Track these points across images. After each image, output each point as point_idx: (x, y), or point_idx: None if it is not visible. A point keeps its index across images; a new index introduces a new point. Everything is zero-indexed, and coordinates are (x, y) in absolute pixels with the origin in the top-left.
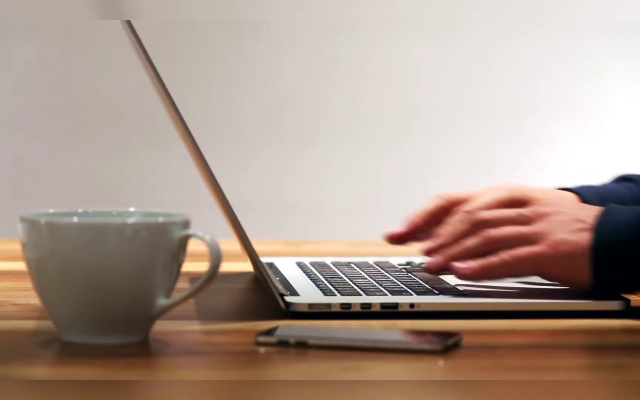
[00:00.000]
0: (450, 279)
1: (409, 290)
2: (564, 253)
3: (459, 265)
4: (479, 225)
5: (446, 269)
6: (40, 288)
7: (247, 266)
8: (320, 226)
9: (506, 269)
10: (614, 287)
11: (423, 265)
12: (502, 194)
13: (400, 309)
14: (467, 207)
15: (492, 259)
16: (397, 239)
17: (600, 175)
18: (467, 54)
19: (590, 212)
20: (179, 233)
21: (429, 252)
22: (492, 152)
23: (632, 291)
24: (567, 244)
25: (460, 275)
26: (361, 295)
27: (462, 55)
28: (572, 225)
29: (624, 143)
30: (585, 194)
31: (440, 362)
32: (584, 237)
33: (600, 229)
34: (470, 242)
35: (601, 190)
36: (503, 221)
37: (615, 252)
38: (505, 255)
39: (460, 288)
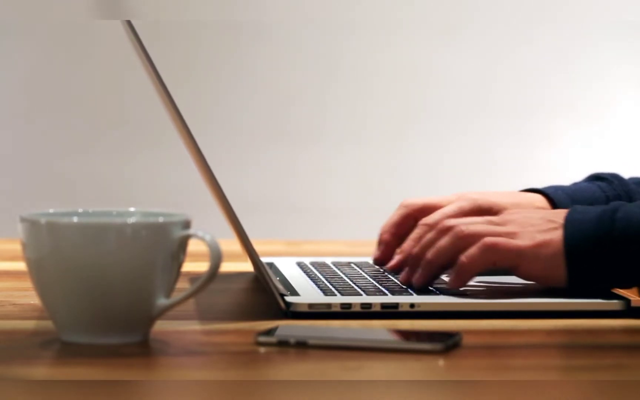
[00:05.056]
0: None
1: (409, 290)
2: (542, 250)
3: (445, 279)
4: (446, 231)
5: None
6: (40, 288)
7: (247, 266)
8: (322, 227)
9: (487, 255)
10: (590, 284)
11: (400, 278)
12: (464, 204)
13: (400, 309)
14: (427, 219)
15: (471, 250)
16: (379, 263)
17: None
18: (470, 54)
19: (559, 213)
20: (179, 233)
21: (394, 268)
22: (495, 152)
23: (608, 288)
24: (543, 242)
25: (450, 287)
26: (361, 295)
27: (464, 56)
28: (543, 225)
29: (625, 144)
30: (554, 194)
31: (440, 362)
32: (558, 235)
33: (570, 225)
34: (443, 241)
35: (571, 190)
36: (472, 224)
37: (587, 246)
38: (486, 240)
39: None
